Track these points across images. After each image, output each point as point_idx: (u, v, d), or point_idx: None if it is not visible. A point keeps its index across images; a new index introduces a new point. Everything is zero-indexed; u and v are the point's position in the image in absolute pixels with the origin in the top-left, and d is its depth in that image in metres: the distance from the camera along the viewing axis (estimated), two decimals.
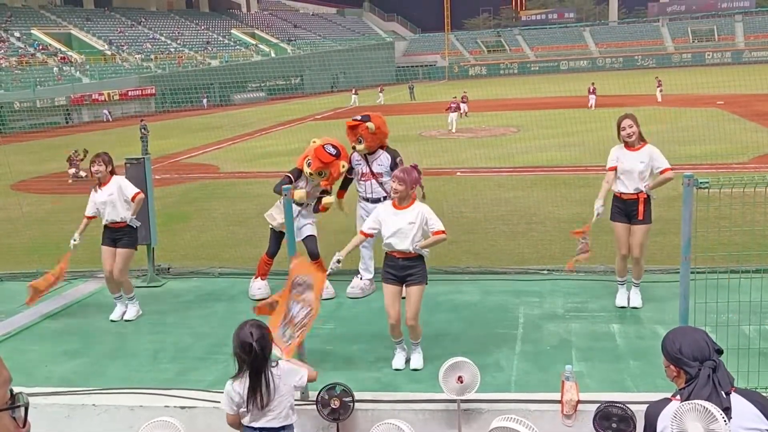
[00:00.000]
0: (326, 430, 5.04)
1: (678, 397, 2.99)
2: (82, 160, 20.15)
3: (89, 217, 7.27)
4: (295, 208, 6.95)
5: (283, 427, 4.01)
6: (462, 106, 33.64)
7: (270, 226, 7.60)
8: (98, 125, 39.54)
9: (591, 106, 32.75)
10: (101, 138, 28.38)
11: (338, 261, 5.60)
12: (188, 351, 6.34)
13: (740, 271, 5.18)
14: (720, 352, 3.09)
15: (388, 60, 73.22)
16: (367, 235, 5.77)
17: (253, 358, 3.85)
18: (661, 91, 35.40)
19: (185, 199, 16.20)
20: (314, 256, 7.36)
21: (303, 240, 7.38)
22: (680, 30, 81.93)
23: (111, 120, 42.26)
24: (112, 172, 7.23)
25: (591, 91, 34.24)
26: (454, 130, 28.74)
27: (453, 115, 29.50)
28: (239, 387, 3.92)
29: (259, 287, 7.64)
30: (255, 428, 3.97)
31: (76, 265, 9.44)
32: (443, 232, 5.53)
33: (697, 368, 2.99)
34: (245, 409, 3.94)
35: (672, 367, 3.10)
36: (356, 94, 46.20)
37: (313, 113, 31.46)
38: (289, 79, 53.53)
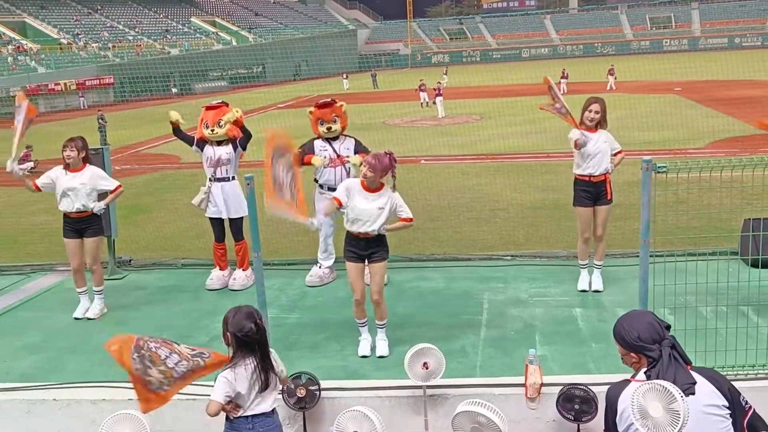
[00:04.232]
0: (293, 419, 5.04)
1: (637, 378, 3.05)
2: (30, 155, 19.86)
3: (37, 188, 6.78)
4: None
5: (273, 411, 3.98)
6: (422, 95, 33.62)
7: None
8: (55, 116, 38.62)
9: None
10: (58, 129, 27.68)
11: (312, 223, 5.70)
12: None
13: (697, 254, 5.29)
14: (668, 327, 3.15)
15: (350, 48, 72.84)
16: (339, 203, 5.59)
17: (261, 337, 3.83)
18: (615, 78, 36.29)
19: (146, 190, 15.97)
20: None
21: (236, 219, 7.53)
22: (638, 17, 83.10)
23: (86, 108, 41.26)
24: (86, 160, 6.87)
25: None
26: (441, 115, 28.77)
27: (438, 100, 29.49)
28: (241, 374, 3.83)
29: (212, 278, 7.62)
30: (248, 417, 3.88)
31: (34, 259, 9.28)
32: (411, 219, 5.60)
33: (658, 350, 3.04)
34: (245, 396, 3.86)
35: (632, 354, 3.13)
36: (346, 78, 45.56)
37: (276, 102, 31.19)
38: (251, 68, 52.94)
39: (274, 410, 3.99)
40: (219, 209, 7.44)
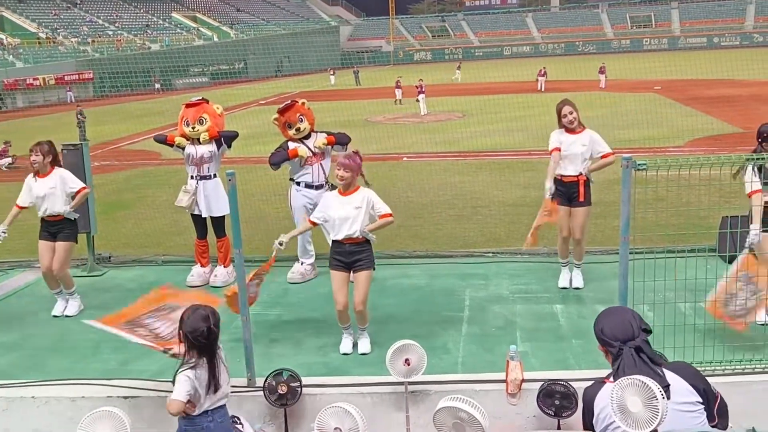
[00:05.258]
0: (274, 416, 5.03)
1: (612, 379, 3.06)
2: (7, 151, 19.82)
3: (21, 207, 6.78)
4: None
5: (224, 405, 4.11)
6: (397, 92, 33.65)
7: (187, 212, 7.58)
8: (34, 111, 38.26)
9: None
10: (37, 124, 27.52)
11: (281, 243, 5.59)
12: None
13: (676, 251, 5.34)
14: (648, 331, 3.15)
15: (333, 45, 72.69)
16: (314, 224, 5.78)
17: (212, 341, 3.89)
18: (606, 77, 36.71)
19: (127, 187, 15.84)
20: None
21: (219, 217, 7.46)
22: (619, 16, 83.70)
23: (72, 102, 40.76)
24: (54, 163, 6.79)
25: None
26: (423, 112, 28.77)
27: (420, 97, 29.50)
28: (200, 374, 3.91)
29: (192, 274, 7.56)
30: (207, 411, 3.98)
31: (12, 255, 9.16)
32: (390, 215, 5.60)
33: (618, 348, 3.05)
34: (201, 396, 3.94)
35: (600, 346, 3.18)
36: (333, 74, 45.16)
37: (257, 98, 31.05)
38: (232, 64, 52.64)
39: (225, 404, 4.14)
40: (201, 207, 7.39)
